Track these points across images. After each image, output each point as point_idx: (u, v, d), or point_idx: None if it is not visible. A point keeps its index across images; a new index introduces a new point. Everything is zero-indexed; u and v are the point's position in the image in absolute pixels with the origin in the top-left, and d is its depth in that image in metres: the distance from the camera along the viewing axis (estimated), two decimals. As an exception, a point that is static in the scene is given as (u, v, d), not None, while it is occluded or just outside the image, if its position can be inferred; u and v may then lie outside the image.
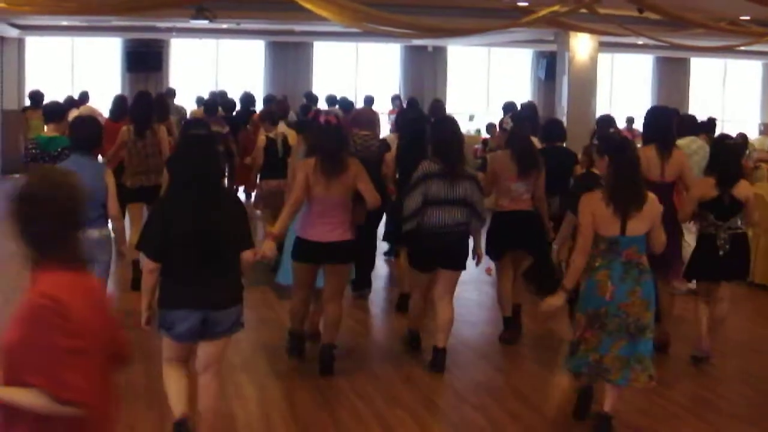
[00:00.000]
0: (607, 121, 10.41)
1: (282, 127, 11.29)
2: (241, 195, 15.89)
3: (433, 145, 7.57)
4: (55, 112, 8.66)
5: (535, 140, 8.84)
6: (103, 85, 21.34)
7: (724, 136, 8.77)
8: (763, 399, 7.08)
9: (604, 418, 6.04)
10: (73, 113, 11.36)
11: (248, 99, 17.42)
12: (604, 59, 22.37)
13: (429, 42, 23.43)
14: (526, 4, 15.66)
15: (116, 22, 19.85)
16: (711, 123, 12.92)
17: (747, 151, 15.15)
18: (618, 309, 5.85)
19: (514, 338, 8.34)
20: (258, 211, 12.29)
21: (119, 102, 11.52)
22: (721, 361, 7.87)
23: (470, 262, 7.58)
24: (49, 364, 3.00)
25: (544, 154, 8.45)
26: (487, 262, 8.20)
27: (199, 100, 16.12)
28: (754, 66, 27.83)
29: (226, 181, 14.66)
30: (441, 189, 7.26)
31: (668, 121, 8.10)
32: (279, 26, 21.20)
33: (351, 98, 19.16)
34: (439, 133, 7.57)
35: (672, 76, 26.48)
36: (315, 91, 20.73)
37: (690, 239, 8.54)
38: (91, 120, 7.36)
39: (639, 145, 7.51)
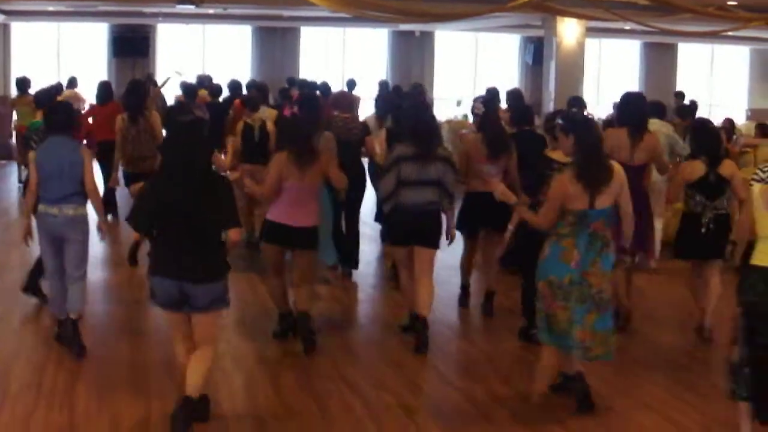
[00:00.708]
0: (577, 100, 10.77)
1: (266, 112, 11.36)
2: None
3: (406, 128, 7.84)
4: (46, 98, 9.25)
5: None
6: (90, 70, 21.28)
7: (705, 120, 9.17)
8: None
9: (578, 378, 6.19)
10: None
11: (235, 86, 17.36)
12: (592, 45, 22.38)
13: (416, 27, 23.36)
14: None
15: (102, 7, 19.81)
16: (692, 106, 13.07)
17: (734, 137, 15.21)
18: (581, 277, 5.99)
19: (467, 303, 8.89)
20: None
21: (104, 87, 12.96)
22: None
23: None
24: None
25: (513, 138, 8.68)
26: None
27: (182, 86, 16.07)
28: (742, 51, 27.87)
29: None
30: (414, 171, 7.51)
31: (641, 106, 8.35)
32: (266, 11, 21.17)
33: (339, 83, 19.12)
34: (412, 117, 7.85)
35: (659, 61, 26.50)
36: (303, 76, 20.66)
37: (657, 223, 8.73)
38: (63, 105, 7.62)
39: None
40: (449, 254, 8.95)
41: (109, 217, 12.97)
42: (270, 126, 10.75)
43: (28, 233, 7.29)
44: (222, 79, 17.92)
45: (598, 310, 6.02)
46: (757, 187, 5.51)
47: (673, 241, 8.42)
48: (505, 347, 7.82)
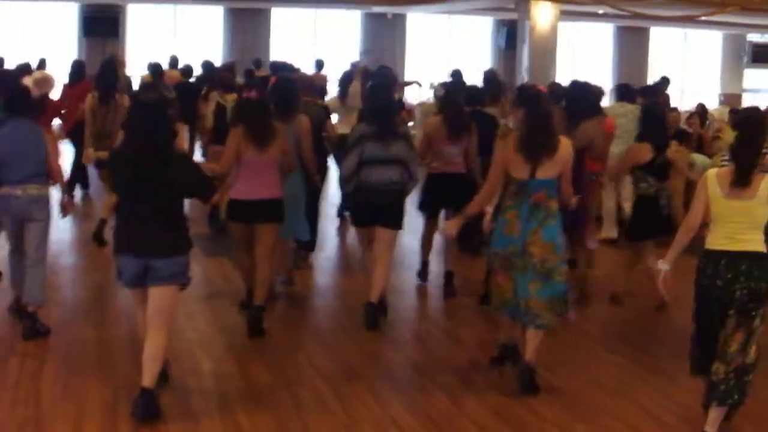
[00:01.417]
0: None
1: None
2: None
3: (367, 108, 8.01)
4: (9, 80, 8.87)
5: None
6: (60, 50, 21.07)
7: (651, 105, 9.72)
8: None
9: (527, 369, 6.27)
10: (27, 80, 11.24)
11: (208, 66, 17.20)
12: (565, 28, 22.36)
13: (389, 9, 23.30)
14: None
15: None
16: (657, 87, 13.24)
17: (707, 122, 15.18)
18: (523, 248, 6.16)
19: (426, 278, 9.07)
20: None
21: (76, 67, 12.81)
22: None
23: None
24: None
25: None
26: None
27: (150, 66, 15.92)
28: (714, 36, 27.96)
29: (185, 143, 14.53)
30: (376, 150, 7.57)
31: (581, 94, 8.71)
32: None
33: (310, 66, 18.99)
34: (373, 97, 8.01)
35: (632, 45, 26.56)
36: (274, 58, 20.50)
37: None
38: (21, 88, 7.57)
39: None
40: (414, 238, 9.07)
41: (82, 193, 12.96)
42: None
43: None
44: (194, 61, 17.78)
45: (543, 279, 6.16)
46: (711, 172, 5.50)
47: (627, 223, 8.81)
48: (481, 336, 7.74)
